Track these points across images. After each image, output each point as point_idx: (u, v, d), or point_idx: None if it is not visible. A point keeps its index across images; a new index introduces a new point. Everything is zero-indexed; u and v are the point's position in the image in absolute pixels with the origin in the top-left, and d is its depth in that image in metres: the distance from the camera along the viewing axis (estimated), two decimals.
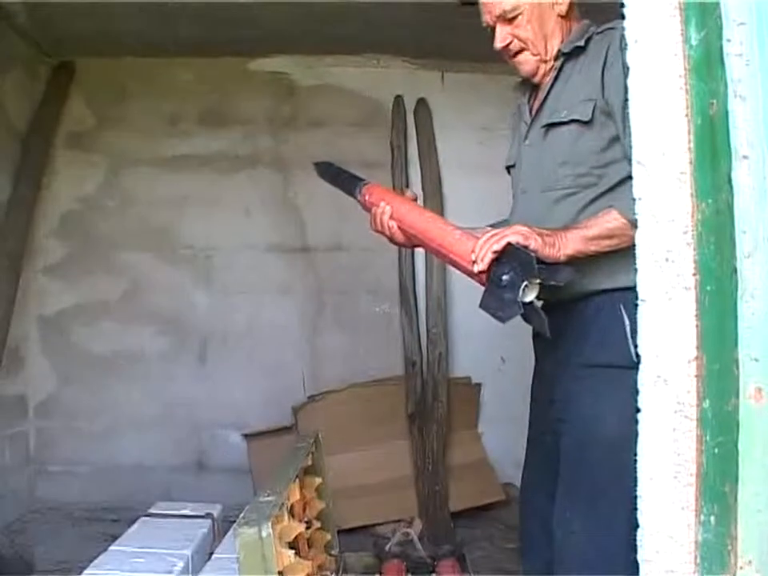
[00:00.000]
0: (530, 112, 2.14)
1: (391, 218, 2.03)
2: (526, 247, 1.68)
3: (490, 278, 1.69)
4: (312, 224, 4.74)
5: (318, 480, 2.71)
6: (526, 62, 2.06)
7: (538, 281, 1.64)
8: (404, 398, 4.43)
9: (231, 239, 4.70)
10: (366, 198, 2.15)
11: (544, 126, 2.03)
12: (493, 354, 4.63)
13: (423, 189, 4.62)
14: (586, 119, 1.90)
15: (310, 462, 2.66)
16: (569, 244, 1.76)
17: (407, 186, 4.49)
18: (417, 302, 4.59)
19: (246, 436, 4.49)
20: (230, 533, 2.50)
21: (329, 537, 2.76)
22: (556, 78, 2.04)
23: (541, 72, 2.08)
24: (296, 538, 2.22)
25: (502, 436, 4.45)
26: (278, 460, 2.55)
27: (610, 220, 1.77)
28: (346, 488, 3.96)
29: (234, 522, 1.91)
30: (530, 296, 1.65)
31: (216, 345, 4.67)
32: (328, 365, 4.67)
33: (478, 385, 4.73)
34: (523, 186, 2.12)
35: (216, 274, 4.70)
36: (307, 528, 2.50)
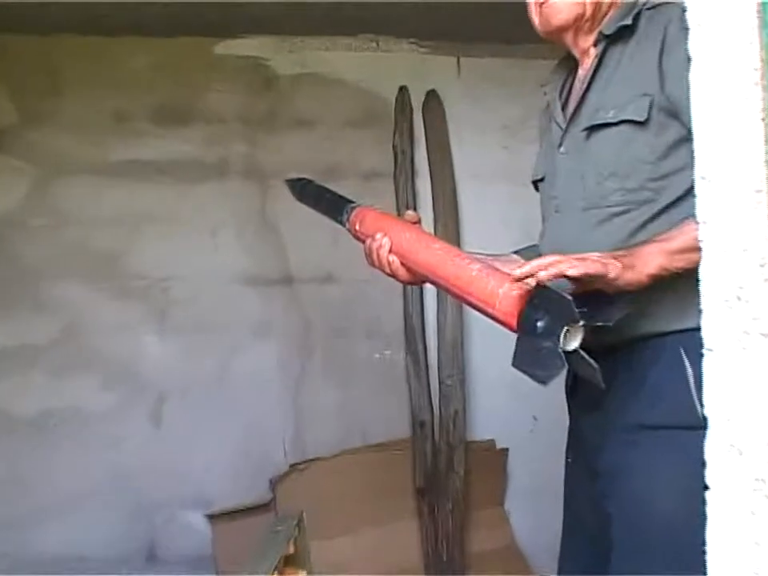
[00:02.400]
0: (564, 111, 2.15)
1: (391, 251, 2.04)
2: (603, 277, 1.68)
3: (520, 324, 1.68)
4: (296, 248, 4.71)
5: (303, 573, 2.70)
6: (563, 4, 2.02)
7: (581, 323, 1.62)
8: (411, 468, 4.45)
9: (194, 268, 4.63)
10: (357, 227, 2.16)
11: (585, 129, 2.03)
12: (522, 411, 4.62)
13: (434, 205, 4.67)
14: (641, 119, 1.89)
15: (291, 550, 2.64)
16: (649, 260, 1.74)
17: (413, 205, 4.56)
18: (426, 346, 4.61)
19: (210, 517, 4.43)
20: None
21: None
22: (597, 67, 2.03)
23: (569, 37, 2.08)
24: None
25: (535, 515, 4.44)
26: (252, 547, 2.54)
27: (691, 231, 1.69)
28: None
29: None
30: (574, 343, 1.63)
31: (174, 401, 4.59)
32: (316, 425, 4.63)
33: (505, 450, 4.72)
34: (558, 204, 2.12)
35: (175, 312, 4.63)
36: None
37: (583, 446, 2.12)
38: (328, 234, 4.19)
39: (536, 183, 2.29)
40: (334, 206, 2.30)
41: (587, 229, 1.99)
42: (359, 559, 4.23)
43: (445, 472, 4.45)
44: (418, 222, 2.16)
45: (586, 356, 1.64)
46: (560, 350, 1.61)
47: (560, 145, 2.12)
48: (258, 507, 4.37)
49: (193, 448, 4.55)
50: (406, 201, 4.60)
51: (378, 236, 2.06)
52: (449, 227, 4.59)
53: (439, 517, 4.41)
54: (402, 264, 2.03)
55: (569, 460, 2.23)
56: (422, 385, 4.56)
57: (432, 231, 4.31)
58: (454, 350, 4.57)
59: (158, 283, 4.64)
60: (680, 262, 1.73)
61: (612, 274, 1.68)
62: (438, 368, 4.59)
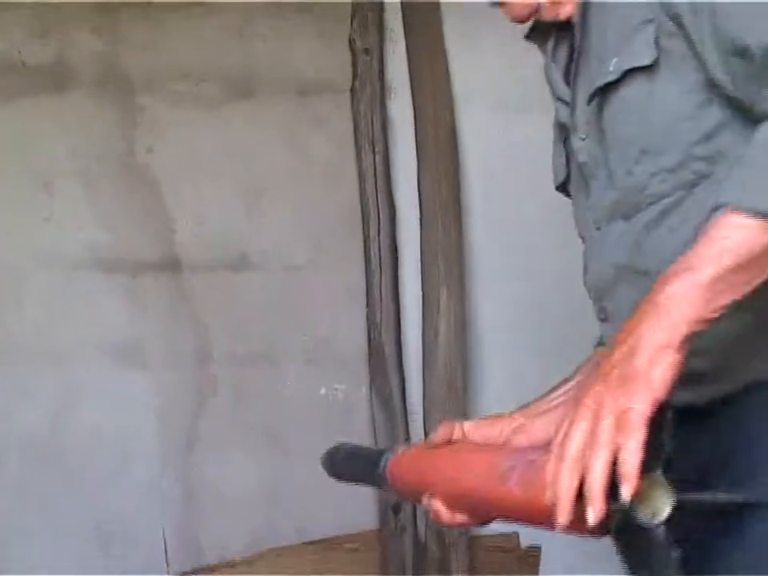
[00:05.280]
0: (568, 78, 2.10)
1: (449, 509, 1.94)
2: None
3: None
4: (187, 212, 4.26)
5: None
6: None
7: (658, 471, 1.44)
8: None
9: (11, 246, 4.20)
10: (399, 487, 2.11)
11: (591, 99, 1.95)
12: None
13: (418, 142, 4.22)
14: (649, 61, 1.78)
15: None
16: (683, 314, 1.48)
17: (383, 144, 4.31)
18: (405, 380, 4.26)
19: None
20: None
21: None
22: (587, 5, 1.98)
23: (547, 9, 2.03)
24: None
25: None
26: None
27: (726, 233, 1.54)
28: None
29: None
30: (664, 511, 1.44)
31: None
32: (219, 512, 4.20)
33: (535, 550, 4.34)
34: (596, 217, 2.06)
35: None
36: None
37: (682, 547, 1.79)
38: (241, 187, 4.28)
39: (564, 189, 2.22)
40: (369, 462, 2.19)
41: (635, 244, 1.90)
42: None
43: None
44: (451, 434, 2.00)
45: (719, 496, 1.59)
46: (662, 536, 1.40)
47: (575, 129, 2.08)
48: None
49: (7, 551, 4.08)
50: (370, 136, 4.22)
51: (425, 500, 1.96)
52: (442, 182, 4.15)
53: None
54: (471, 516, 1.95)
55: None
56: (397, 442, 3.95)
57: (416, 189, 4.18)
58: (450, 387, 4.17)
59: None
60: (724, 298, 1.52)
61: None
62: (424, 417, 4.17)
